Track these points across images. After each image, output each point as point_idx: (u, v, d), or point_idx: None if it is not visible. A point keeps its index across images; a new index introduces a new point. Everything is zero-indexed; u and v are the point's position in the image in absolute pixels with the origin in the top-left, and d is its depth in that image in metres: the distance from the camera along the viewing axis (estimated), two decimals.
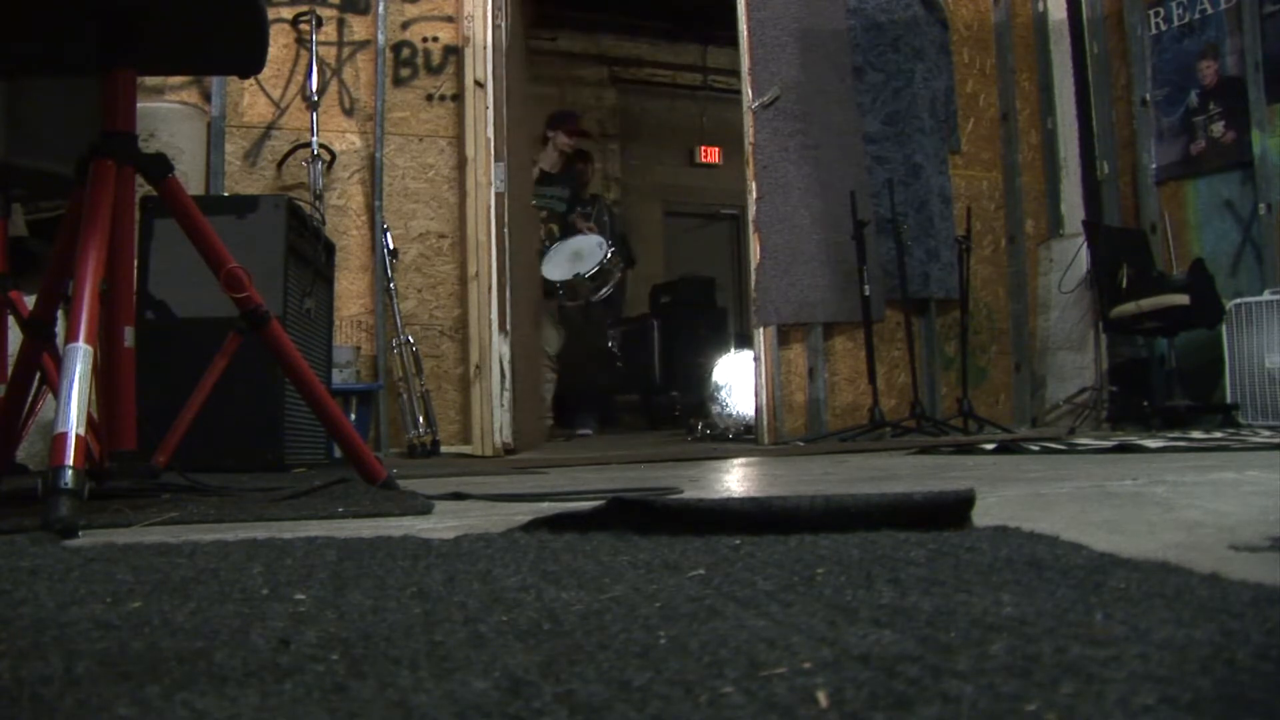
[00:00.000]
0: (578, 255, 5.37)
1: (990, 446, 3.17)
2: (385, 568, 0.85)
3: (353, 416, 3.81)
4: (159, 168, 1.65)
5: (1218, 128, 4.91)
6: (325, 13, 4.25)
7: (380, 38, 4.31)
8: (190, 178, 3.78)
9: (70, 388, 1.27)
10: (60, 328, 1.92)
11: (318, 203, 3.97)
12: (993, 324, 5.18)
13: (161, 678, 0.49)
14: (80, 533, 1.17)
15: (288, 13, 4.19)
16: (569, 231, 5.62)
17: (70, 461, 1.19)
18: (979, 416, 4.66)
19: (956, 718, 0.41)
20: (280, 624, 0.63)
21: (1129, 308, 4.50)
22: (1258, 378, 4.39)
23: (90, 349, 1.32)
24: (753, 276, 4.58)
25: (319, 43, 4.18)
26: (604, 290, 5.42)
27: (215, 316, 2.37)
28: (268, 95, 4.17)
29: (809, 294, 4.61)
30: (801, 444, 4.31)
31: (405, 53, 4.39)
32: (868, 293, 4.42)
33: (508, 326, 4.35)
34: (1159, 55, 5.18)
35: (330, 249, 3.59)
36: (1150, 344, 5.05)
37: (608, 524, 1.07)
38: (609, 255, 5.35)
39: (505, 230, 4.36)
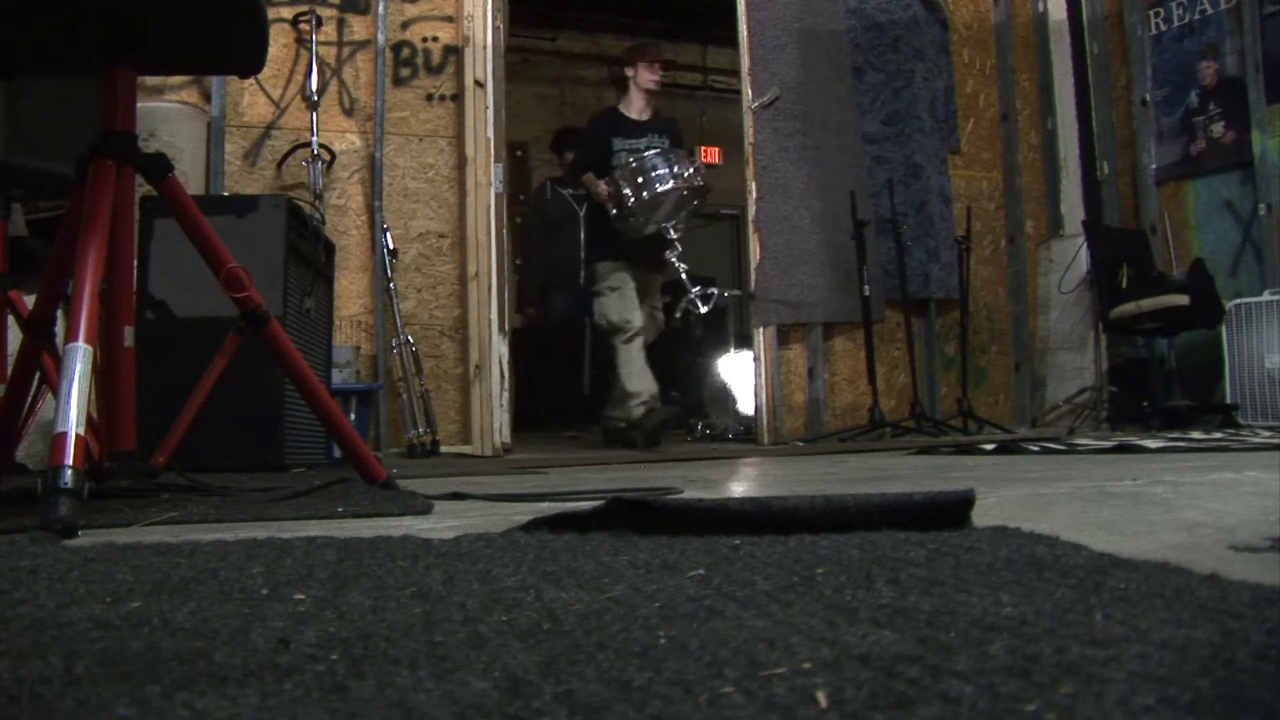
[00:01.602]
0: (674, 159, 4.18)
1: (990, 447, 3.17)
2: (385, 568, 0.85)
3: (353, 416, 3.81)
4: (159, 168, 1.65)
5: (1218, 128, 4.91)
6: (325, 13, 4.25)
7: (380, 38, 4.31)
8: (190, 178, 3.78)
9: (70, 388, 1.27)
10: (60, 328, 1.92)
11: (318, 203, 3.97)
12: (993, 324, 5.18)
13: (161, 678, 0.49)
14: (80, 532, 1.16)
15: (288, 12, 4.19)
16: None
17: (70, 461, 1.19)
18: (979, 417, 4.66)
19: (956, 718, 0.41)
20: (280, 624, 0.62)
21: (1129, 308, 4.50)
22: (1258, 378, 4.39)
23: (90, 349, 1.32)
24: (753, 276, 4.58)
25: (319, 42, 4.18)
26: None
27: (215, 316, 2.37)
28: (268, 95, 4.17)
29: (809, 294, 4.61)
30: (801, 444, 4.31)
31: (405, 53, 4.39)
32: (867, 293, 4.42)
33: (507, 327, 4.35)
34: (1159, 55, 5.18)
35: (330, 249, 3.59)
36: (1150, 344, 5.05)
37: (607, 524, 1.07)
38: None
39: (505, 230, 4.36)
